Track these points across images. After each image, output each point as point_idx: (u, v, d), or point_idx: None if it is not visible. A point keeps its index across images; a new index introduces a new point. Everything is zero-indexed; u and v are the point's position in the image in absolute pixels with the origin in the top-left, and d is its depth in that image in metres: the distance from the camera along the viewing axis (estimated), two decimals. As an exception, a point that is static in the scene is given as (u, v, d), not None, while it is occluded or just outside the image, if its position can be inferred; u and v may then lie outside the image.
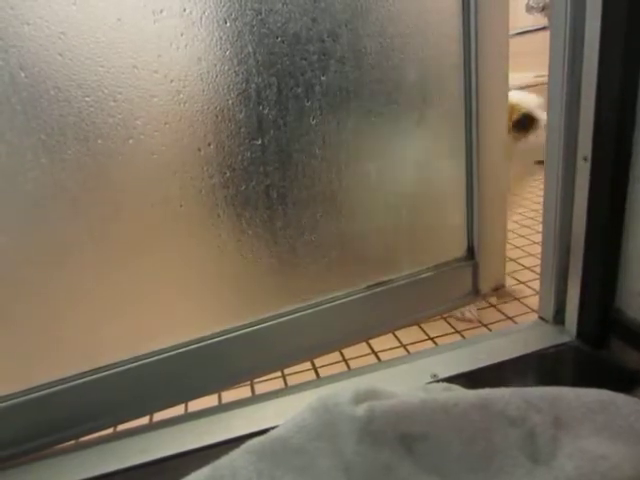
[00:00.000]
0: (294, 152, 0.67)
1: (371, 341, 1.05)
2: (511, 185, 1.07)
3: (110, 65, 0.55)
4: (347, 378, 0.71)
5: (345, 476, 0.48)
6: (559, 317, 0.75)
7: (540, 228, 0.76)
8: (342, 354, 1.03)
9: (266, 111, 0.63)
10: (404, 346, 1.04)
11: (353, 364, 1.00)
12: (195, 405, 0.71)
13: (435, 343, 1.04)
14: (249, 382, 0.95)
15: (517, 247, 1.46)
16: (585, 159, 0.64)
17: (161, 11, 0.55)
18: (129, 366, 0.65)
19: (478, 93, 0.75)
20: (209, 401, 0.73)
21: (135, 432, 0.65)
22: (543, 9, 2.40)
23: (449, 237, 0.83)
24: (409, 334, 1.07)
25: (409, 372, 0.71)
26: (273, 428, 0.53)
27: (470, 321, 1.08)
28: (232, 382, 0.76)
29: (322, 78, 0.65)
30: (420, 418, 0.50)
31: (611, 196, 0.63)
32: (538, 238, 0.96)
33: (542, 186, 0.73)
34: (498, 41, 0.75)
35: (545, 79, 0.69)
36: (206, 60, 0.59)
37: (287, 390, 0.71)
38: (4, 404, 0.60)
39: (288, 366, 0.83)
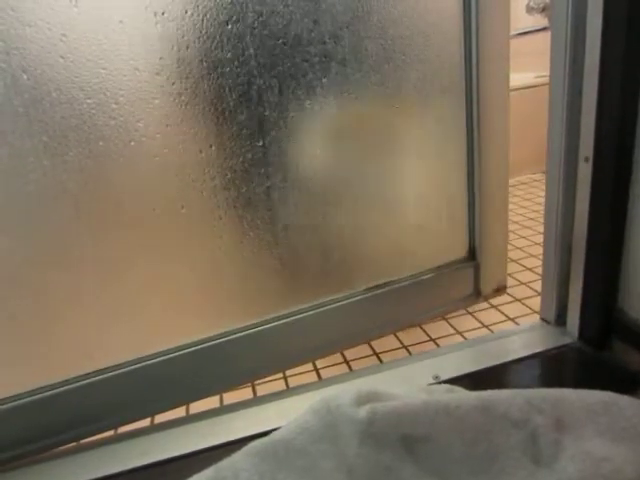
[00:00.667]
0: (295, 154, 0.67)
1: (373, 342, 1.05)
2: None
3: (112, 67, 0.55)
4: (349, 380, 0.71)
5: (347, 478, 0.48)
6: (561, 318, 0.75)
7: (541, 229, 0.76)
8: (344, 355, 1.03)
9: (267, 113, 0.63)
10: (406, 347, 1.04)
11: (355, 365, 1.00)
12: (197, 407, 0.71)
13: (437, 344, 1.04)
14: (251, 384, 0.95)
15: (518, 248, 1.45)
16: (586, 160, 0.64)
17: (163, 13, 0.55)
18: (131, 368, 0.65)
19: (479, 94, 0.75)
20: (211, 403, 0.73)
21: (137, 434, 0.65)
22: (543, 10, 2.40)
23: (450, 238, 0.83)
24: (411, 335, 1.07)
25: (411, 374, 0.71)
26: (275, 430, 0.53)
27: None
28: (234, 383, 0.76)
29: (323, 80, 0.65)
30: (422, 420, 0.50)
31: (613, 196, 0.63)
32: (539, 239, 0.96)
33: (543, 187, 0.73)
34: (499, 42, 0.75)
35: (546, 79, 0.69)
36: (207, 62, 0.59)
37: (289, 392, 0.71)
38: (6, 406, 0.60)
39: (290, 367, 0.83)
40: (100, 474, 0.59)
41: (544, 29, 2.34)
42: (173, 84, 0.58)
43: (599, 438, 0.48)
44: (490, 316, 1.12)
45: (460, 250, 0.84)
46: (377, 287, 0.77)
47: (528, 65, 2.18)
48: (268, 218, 0.68)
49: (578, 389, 0.54)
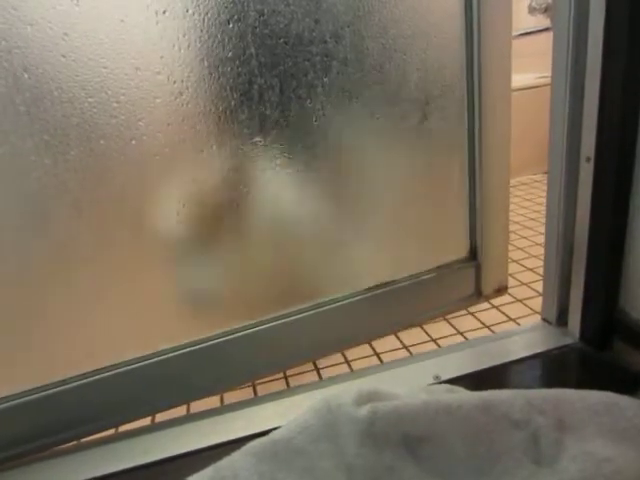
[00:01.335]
0: (296, 153, 0.67)
1: (373, 343, 1.05)
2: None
3: (113, 66, 0.55)
4: (349, 380, 0.71)
5: (347, 477, 0.48)
6: (562, 319, 0.75)
7: (542, 229, 0.76)
8: (344, 355, 1.03)
9: (268, 112, 0.63)
10: (406, 347, 1.04)
11: (355, 365, 1.00)
12: (197, 406, 0.71)
13: (438, 345, 1.04)
14: (251, 383, 0.95)
15: (519, 248, 1.45)
16: (588, 160, 0.64)
17: (164, 12, 0.55)
18: (131, 367, 0.65)
19: (481, 94, 0.75)
20: (211, 402, 0.73)
21: (137, 433, 0.65)
22: (545, 10, 2.40)
23: (451, 238, 0.83)
24: (411, 336, 1.07)
25: (411, 374, 0.70)
26: (275, 429, 0.53)
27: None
28: (235, 383, 0.76)
29: (324, 79, 0.65)
30: (423, 420, 0.50)
31: (614, 196, 0.63)
32: (541, 239, 0.95)
33: (544, 187, 0.73)
34: (501, 42, 0.75)
35: (548, 80, 0.68)
36: (209, 61, 0.59)
37: (289, 391, 0.71)
38: (6, 405, 0.61)
39: (291, 367, 0.83)
40: (100, 473, 0.59)
41: (546, 30, 2.34)
42: (174, 83, 0.58)
43: (600, 438, 0.48)
44: (491, 316, 1.12)
45: (461, 250, 0.84)
46: (378, 287, 0.77)
47: (530, 66, 2.18)
48: (269, 217, 0.68)
49: (579, 389, 0.54)
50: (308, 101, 0.65)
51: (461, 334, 1.07)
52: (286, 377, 0.97)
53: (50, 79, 0.53)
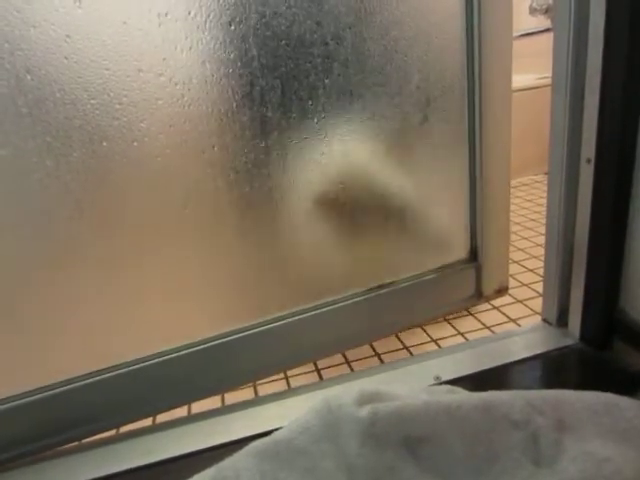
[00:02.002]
0: (298, 154, 0.67)
1: (374, 343, 1.05)
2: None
3: (115, 68, 0.55)
4: (350, 380, 0.71)
5: (348, 478, 0.48)
6: (562, 319, 0.75)
7: (543, 230, 0.76)
8: (345, 356, 1.03)
9: (270, 113, 0.64)
10: (407, 348, 1.04)
11: (356, 366, 1.00)
12: (198, 407, 0.71)
13: (438, 345, 1.04)
14: (252, 384, 0.95)
15: (520, 249, 1.45)
16: (588, 161, 0.64)
17: (166, 14, 0.56)
18: (132, 367, 0.65)
19: (482, 95, 0.75)
20: (212, 403, 0.73)
21: (139, 433, 0.65)
22: (546, 11, 2.40)
23: (452, 239, 0.83)
24: (412, 336, 1.07)
25: (412, 374, 0.71)
26: (276, 430, 0.53)
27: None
28: (236, 383, 0.76)
29: (326, 81, 0.65)
30: (423, 420, 0.50)
31: (614, 197, 0.63)
32: (541, 240, 0.95)
33: (545, 188, 0.73)
34: (502, 43, 0.75)
35: (548, 81, 0.69)
36: (210, 63, 0.59)
37: (290, 392, 0.71)
38: (8, 405, 0.61)
39: (291, 368, 0.83)
40: (102, 473, 0.59)
41: (547, 30, 2.34)
42: (176, 85, 0.58)
43: (600, 439, 0.48)
44: (491, 317, 1.12)
45: (462, 251, 0.84)
46: (379, 288, 0.77)
47: (530, 66, 2.18)
48: (270, 218, 0.68)
49: (579, 390, 0.54)
50: (309, 102, 0.65)
51: (462, 335, 1.07)
52: (287, 377, 0.97)
53: (53, 81, 0.53)
